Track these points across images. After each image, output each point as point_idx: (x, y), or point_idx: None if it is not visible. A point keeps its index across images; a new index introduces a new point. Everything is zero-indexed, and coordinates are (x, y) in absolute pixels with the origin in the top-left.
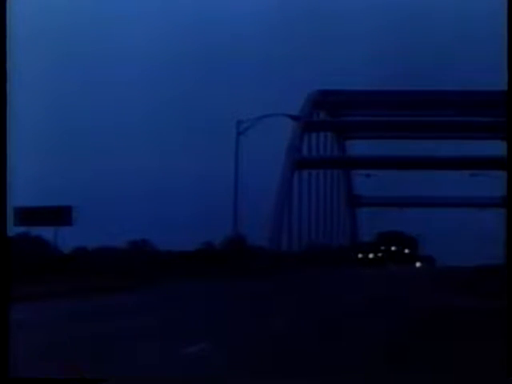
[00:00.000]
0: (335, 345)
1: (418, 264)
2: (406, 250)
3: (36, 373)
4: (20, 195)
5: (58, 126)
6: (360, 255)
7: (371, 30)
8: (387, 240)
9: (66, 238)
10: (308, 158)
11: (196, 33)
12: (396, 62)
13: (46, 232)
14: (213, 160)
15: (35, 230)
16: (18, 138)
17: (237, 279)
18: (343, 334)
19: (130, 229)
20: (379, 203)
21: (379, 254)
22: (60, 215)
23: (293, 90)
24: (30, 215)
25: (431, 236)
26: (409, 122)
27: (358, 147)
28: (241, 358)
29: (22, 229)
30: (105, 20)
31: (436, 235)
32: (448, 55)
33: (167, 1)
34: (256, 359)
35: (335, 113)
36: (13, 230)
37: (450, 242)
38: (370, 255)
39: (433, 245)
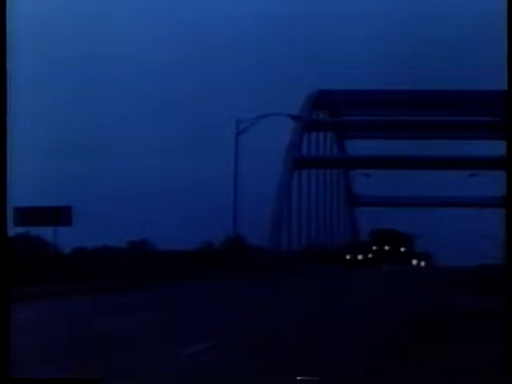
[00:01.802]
0: (335, 345)
1: (414, 262)
2: (402, 249)
3: (36, 373)
4: (19, 195)
5: (58, 126)
6: (348, 256)
7: (371, 30)
8: (380, 239)
9: (66, 238)
10: (307, 157)
11: (196, 32)
12: (396, 62)
13: (45, 232)
14: (212, 160)
15: (34, 230)
16: (18, 138)
17: (236, 279)
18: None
19: (129, 229)
20: (379, 203)
21: (370, 255)
22: (59, 215)
23: (292, 89)
24: (29, 215)
25: (431, 236)
26: (408, 122)
27: (358, 147)
28: (241, 357)
29: (21, 229)
30: (104, 20)
31: (435, 235)
32: (448, 55)
33: (166, 1)
34: (256, 359)
35: (335, 112)
36: (12, 230)
37: (449, 242)
38: (359, 256)
39: (432, 245)
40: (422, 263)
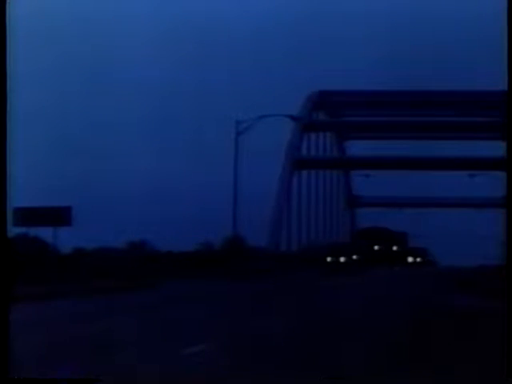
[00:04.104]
0: (335, 345)
1: (410, 259)
2: (395, 247)
3: (36, 373)
4: (19, 195)
5: (58, 127)
6: (329, 258)
7: (372, 30)
8: (369, 238)
9: (65, 239)
10: (307, 158)
11: (195, 32)
12: (396, 62)
13: (45, 232)
14: (212, 160)
15: (34, 231)
16: (18, 138)
17: (236, 280)
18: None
19: (128, 229)
20: (379, 203)
21: (354, 257)
22: (59, 216)
23: (293, 90)
24: (29, 215)
25: (430, 237)
26: (408, 123)
27: (358, 147)
28: (240, 358)
29: (20, 229)
30: (102, 20)
31: (434, 236)
32: (448, 56)
33: (166, 1)
34: (256, 360)
35: (335, 113)
36: (12, 230)
37: (449, 242)
38: (342, 258)
39: (431, 246)
40: (418, 259)
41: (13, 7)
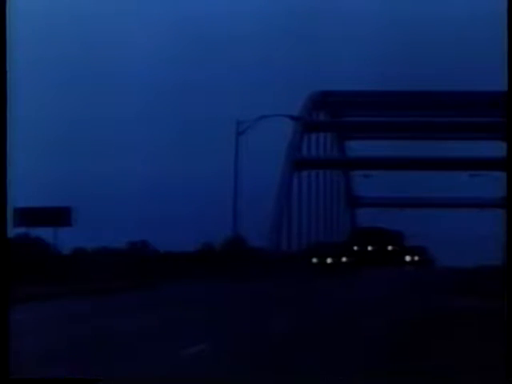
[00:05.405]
0: (334, 345)
1: (408, 258)
2: (389, 247)
3: (37, 373)
4: (19, 195)
5: (58, 127)
6: (315, 260)
7: (371, 31)
8: (362, 238)
9: (66, 239)
10: (308, 158)
11: (194, 32)
12: (397, 63)
13: (46, 233)
14: (212, 160)
15: (34, 231)
16: (18, 138)
17: (236, 280)
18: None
19: (129, 230)
20: (379, 204)
21: (344, 259)
22: (59, 216)
23: (293, 90)
24: (29, 216)
25: (430, 237)
26: (409, 123)
27: (358, 148)
28: (240, 359)
29: (21, 230)
30: (100, 20)
31: (435, 236)
32: (448, 56)
33: (166, 0)
34: (255, 360)
35: (335, 113)
36: (12, 231)
37: (448, 243)
38: (328, 260)
39: (431, 246)
40: (416, 258)
41: (13, 6)
